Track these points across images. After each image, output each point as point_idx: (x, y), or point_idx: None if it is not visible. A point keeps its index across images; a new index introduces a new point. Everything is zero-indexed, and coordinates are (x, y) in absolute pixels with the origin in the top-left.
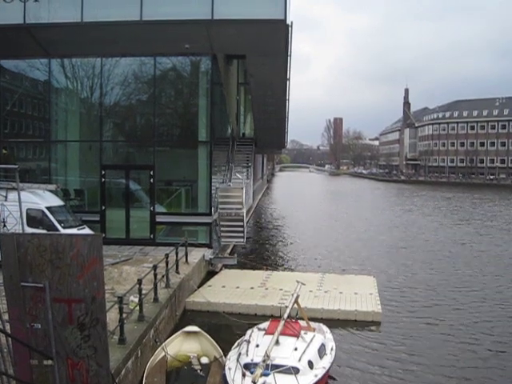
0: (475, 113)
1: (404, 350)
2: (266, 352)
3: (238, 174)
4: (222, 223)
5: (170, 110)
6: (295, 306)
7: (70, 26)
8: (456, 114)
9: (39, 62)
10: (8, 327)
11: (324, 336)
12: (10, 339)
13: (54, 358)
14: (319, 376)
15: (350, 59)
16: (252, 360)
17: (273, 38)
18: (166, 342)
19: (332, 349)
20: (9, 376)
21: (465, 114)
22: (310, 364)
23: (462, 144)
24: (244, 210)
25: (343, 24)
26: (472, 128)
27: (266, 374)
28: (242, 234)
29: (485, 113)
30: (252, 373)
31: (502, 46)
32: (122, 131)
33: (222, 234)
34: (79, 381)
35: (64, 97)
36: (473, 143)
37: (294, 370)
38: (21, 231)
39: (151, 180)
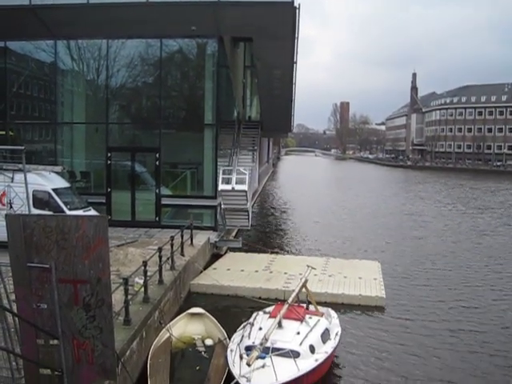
0: (483, 98)
1: (407, 335)
2: (264, 335)
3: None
4: (226, 207)
5: (176, 92)
6: (303, 290)
7: (75, 7)
8: (464, 99)
9: (45, 43)
10: (15, 307)
11: (330, 321)
12: (16, 319)
13: (59, 337)
14: (320, 361)
15: (354, 43)
16: (253, 343)
17: (280, 20)
18: (171, 323)
19: (337, 334)
20: (16, 355)
21: (473, 99)
22: (312, 348)
23: (470, 130)
24: (249, 195)
25: (346, 7)
26: (480, 114)
27: (263, 357)
28: (246, 219)
29: (493, 98)
30: (249, 355)
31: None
32: (128, 113)
33: (227, 217)
34: (85, 360)
35: (70, 78)
36: (480, 129)
37: (294, 354)
38: (27, 212)
39: (157, 162)
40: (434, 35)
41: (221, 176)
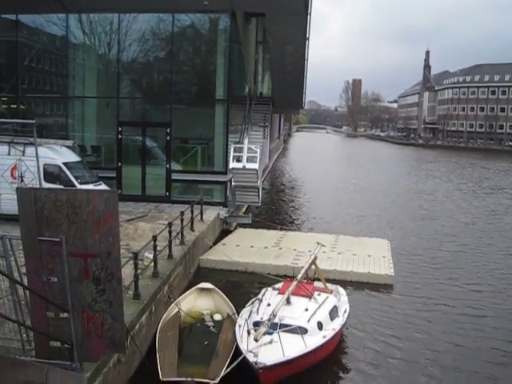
0: (497, 77)
1: (415, 313)
2: (272, 311)
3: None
4: (236, 185)
5: (188, 67)
6: (312, 267)
7: None
8: (477, 78)
9: (57, 17)
10: (25, 280)
11: (339, 298)
12: (27, 292)
13: (69, 311)
14: (328, 337)
15: (366, 19)
16: (261, 318)
17: None
18: (180, 298)
19: (345, 311)
20: (26, 327)
21: (486, 78)
22: (320, 325)
23: (482, 109)
24: (259, 172)
25: None
26: (493, 93)
27: (270, 333)
28: (256, 195)
29: (507, 77)
30: (256, 331)
31: None
32: (139, 88)
33: (237, 194)
34: (94, 333)
35: (81, 53)
36: (493, 108)
37: (302, 331)
38: (38, 186)
39: (167, 137)
40: (447, 10)
41: (232, 154)
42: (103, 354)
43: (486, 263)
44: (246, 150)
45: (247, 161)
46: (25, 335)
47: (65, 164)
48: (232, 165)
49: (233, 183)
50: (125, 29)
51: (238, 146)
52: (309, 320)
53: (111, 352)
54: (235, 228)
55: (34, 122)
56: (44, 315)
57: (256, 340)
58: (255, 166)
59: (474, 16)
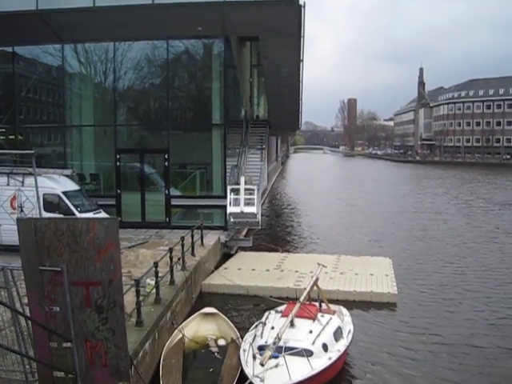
0: (491, 91)
1: (420, 331)
2: (277, 334)
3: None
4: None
5: (184, 93)
6: (315, 288)
7: (82, 10)
8: (472, 93)
9: (52, 47)
10: (27, 310)
11: (342, 319)
12: (29, 322)
13: (72, 340)
14: (333, 359)
15: (358, 38)
16: (266, 342)
17: (285, 19)
18: (184, 323)
19: (350, 332)
20: (29, 358)
21: (481, 92)
22: (325, 347)
23: (478, 123)
24: (258, 196)
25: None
26: (488, 107)
27: (276, 356)
28: (256, 220)
29: (501, 91)
30: (262, 355)
31: None
32: (136, 115)
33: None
34: (98, 362)
35: (78, 82)
36: (489, 122)
37: (307, 353)
38: (38, 216)
39: (166, 163)
40: (438, 28)
41: (229, 196)
42: (107, 383)
43: (497, 286)
44: (242, 191)
45: (245, 204)
46: (28, 366)
47: (64, 193)
48: (230, 209)
49: (231, 220)
50: (120, 57)
51: (234, 186)
52: (314, 342)
53: (115, 381)
54: (236, 251)
55: (32, 152)
56: (47, 345)
57: (262, 364)
58: (253, 209)
59: (466, 33)
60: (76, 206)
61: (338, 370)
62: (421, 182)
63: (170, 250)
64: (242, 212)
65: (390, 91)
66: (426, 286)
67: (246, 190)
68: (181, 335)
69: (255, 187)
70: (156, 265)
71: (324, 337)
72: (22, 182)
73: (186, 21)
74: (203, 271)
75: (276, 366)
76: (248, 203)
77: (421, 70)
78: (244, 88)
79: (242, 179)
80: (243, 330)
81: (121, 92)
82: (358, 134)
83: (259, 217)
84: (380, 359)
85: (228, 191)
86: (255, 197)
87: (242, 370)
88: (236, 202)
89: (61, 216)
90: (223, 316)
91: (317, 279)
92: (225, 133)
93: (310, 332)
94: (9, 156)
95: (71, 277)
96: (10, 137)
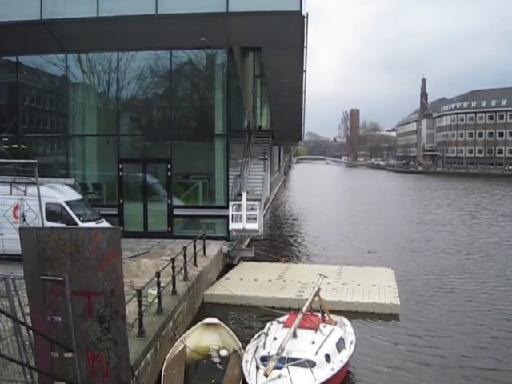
0: (493, 102)
1: (422, 342)
2: (280, 345)
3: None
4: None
5: (187, 103)
6: (316, 298)
7: (85, 20)
8: (474, 103)
9: (56, 57)
10: (29, 320)
11: (344, 329)
12: (31, 332)
13: (74, 350)
14: (336, 370)
15: (360, 49)
16: (268, 353)
17: (288, 29)
18: (186, 333)
19: (352, 342)
20: (30, 368)
21: (483, 103)
22: (327, 357)
23: (481, 134)
24: (260, 211)
25: (348, 12)
26: (490, 118)
27: (279, 367)
28: (258, 231)
29: (503, 102)
30: (265, 366)
31: None
32: (138, 125)
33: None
34: (99, 373)
35: (81, 91)
36: (491, 133)
37: (310, 364)
38: (40, 225)
39: (168, 173)
40: (440, 40)
41: (231, 213)
42: None
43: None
44: (244, 207)
45: (247, 220)
46: (29, 376)
47: (67, 202)
48: (232, 226)
49: (233, 233)
50: (123, 67)
51: (236, 202)
52: (316, 353)
53: None
54: (238, 262)
55: (35, 161)
56: (48, 355)
57: (266, 375)
58: (255, 226)
59: (468, 44)
60: (78, 216)
61: (340, 380)
62: (424, 192)
63: (172, 260)
64: (244, 229)
65: (392, 102)
66: (429, 297)
67: (248, 204)
68: (182, 345)
69: (257, 203)
70: (158, 275)
71: (327, 347)
72: (25, 192)
73: (189, 31)
74: (205, 281)
75: (279, 376)
76: (250, 218)
77: (423, 80)
78: (247, 98)
79: (244, 195)
80: (245, 341)
81: (124, 102)
82: (360, 145)
83: (261, 229)
84: (382, 371)
85: (230, 207)
86: (257, 212)
87: (244, 381)
88: (238, 219)
89: (63, 225)
90: (225, 326)
91: (318, 290)
92: (227, 143)
93: (313, 343)
94: (12, 165)
95: (73, 286)
96: (13, 146)
